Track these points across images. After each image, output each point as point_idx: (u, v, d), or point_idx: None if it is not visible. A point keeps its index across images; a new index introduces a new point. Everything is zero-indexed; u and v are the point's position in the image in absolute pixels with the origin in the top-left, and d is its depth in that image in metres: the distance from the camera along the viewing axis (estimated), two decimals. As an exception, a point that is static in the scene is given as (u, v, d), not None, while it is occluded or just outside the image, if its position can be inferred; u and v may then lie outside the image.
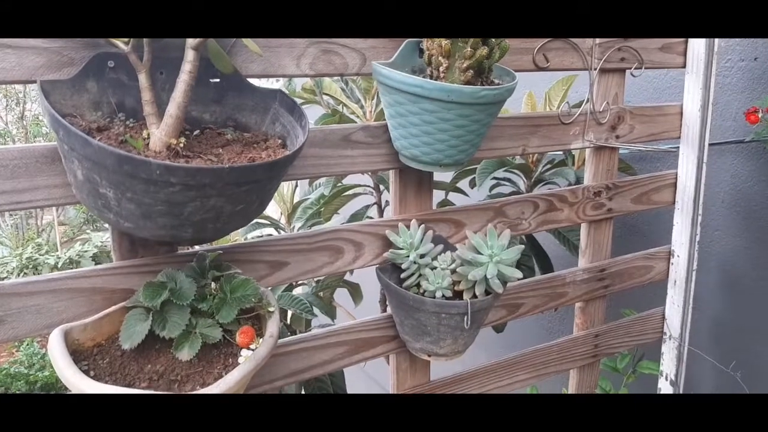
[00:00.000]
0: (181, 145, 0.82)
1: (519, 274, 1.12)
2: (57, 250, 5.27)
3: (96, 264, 4.96)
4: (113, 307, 0.95)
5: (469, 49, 1.01)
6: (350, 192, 1.94)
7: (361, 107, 1.89)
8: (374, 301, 2.02)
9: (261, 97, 0.99)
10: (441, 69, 1.05)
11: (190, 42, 0.82)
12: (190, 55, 0.82)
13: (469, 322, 1.12)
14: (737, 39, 1.73)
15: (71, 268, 4.86)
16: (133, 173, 0.71)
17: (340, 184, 1.93)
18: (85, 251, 4.97)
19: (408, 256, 1.17)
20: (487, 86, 1.05)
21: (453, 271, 1.15)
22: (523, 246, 1.11)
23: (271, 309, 0.98)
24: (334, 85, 1.92)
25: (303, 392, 1.68)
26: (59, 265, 4.78)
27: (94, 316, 0.92)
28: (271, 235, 2.14)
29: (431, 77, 1.09)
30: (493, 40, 1.03)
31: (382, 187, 2.00)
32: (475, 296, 1.14)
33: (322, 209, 1.97)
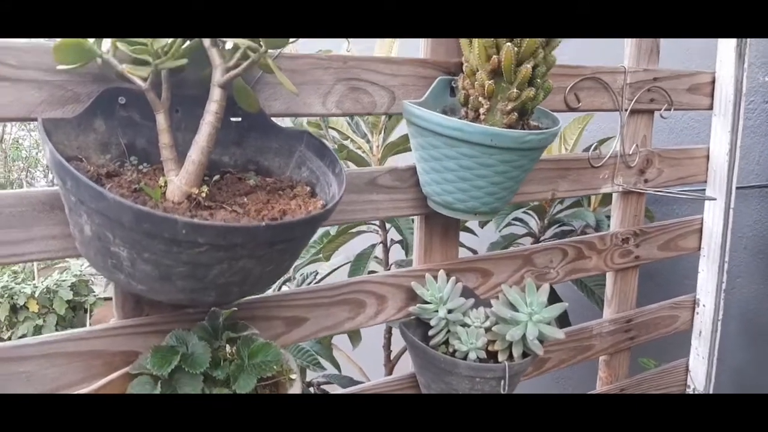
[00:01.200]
0: (203, 194, 0.72)
1: (561, 334, 1.02)
2: (34, 278, 5.05)
3: (74, 294, 4.75)
4: (114, 374, 0.83)
5: (514, 90, 0.92)
6: (354, 230, 1.84)
7: (368, 142, 1.80)
8: (374, 344, 1.90)
9: (285, 138, 0.89)
10: (481, 110, 0.96)
11: (217, 79, 0.71)
12: (216, 94, 0.71)
13: (506, 387, 1.01)
14: (761, 81, 1.67)
15: (48, 298, 4.67)
16: (154, 232, 0.60)
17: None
18: (63, 280, 4.77)
19: (437, 312, 1.07)
20: (532, 131, 0.96)
21: (487, 330, 1.05)
22: (566, 304, 1.02)
23: (292, 377, 0.87)
24: (341, 119, 1.83)
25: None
26: (36, 294, 4.57)
27: (93, 384, 0.81)
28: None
29: (467, 118, 1.00)
30: (539, 80, 0.94)
31: (388, 225, 1.90)
32: (511, 357, 1.04)
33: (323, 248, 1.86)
